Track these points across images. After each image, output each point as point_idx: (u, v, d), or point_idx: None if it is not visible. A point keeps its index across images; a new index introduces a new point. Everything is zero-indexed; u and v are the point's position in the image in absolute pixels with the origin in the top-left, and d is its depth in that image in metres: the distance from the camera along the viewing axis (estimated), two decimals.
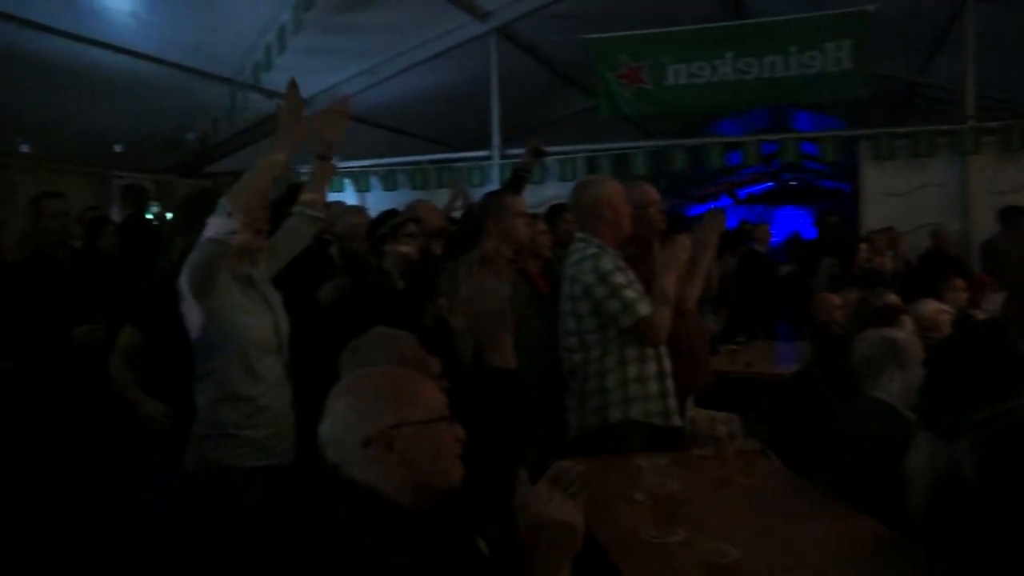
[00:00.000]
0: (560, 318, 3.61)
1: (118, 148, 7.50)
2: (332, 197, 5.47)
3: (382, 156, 8.74)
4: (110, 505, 3.89)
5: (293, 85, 2.92)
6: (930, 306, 4.56)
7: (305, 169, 8.02)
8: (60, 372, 4.07)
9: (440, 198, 7.65)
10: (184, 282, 2.86)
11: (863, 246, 7.25)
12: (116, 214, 7.07)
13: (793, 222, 18.50)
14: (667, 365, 3.57)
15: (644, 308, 3.39)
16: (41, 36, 6.06)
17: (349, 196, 8.64)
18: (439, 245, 4.63)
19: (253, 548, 2.91)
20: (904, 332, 3.49)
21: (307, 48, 7.22)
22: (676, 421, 3.57)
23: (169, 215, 5.90)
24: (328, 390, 1.82)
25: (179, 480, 3.02)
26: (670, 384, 3.56)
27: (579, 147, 8.30)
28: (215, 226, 2.70)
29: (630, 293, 3.40)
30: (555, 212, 5.43)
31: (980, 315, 4.44)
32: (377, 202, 7.98)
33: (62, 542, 4.10)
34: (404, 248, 3.96)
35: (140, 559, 3.39)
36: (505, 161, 8.19)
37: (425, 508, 1.72)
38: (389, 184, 8.80)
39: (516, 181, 4.90)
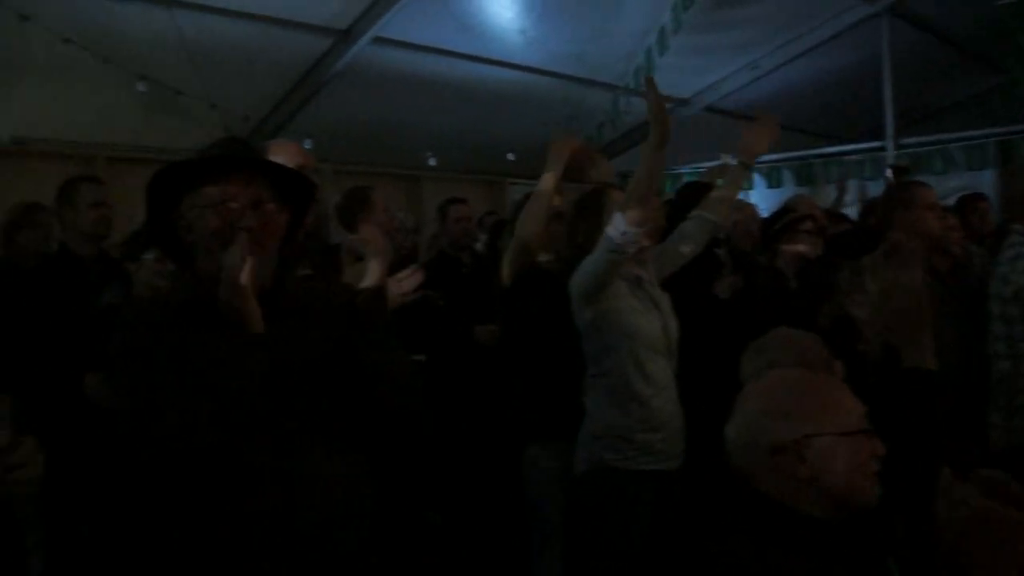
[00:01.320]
0: (989, 321, 3.20)
1: (511, 157, 7.95)
2: None
3: (765, 152, 8.47)
4: (497, 496, 4.07)
5: (650, 83, 2.86)
6: None
7: (686, 169, 8.10)
8: (463, 366, 4.34)
9: (829, 194, 7.23)
10: (577, 285, 2.92)
11: None
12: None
13: None
14: None
15: None
16: (444, 60, 6.59)
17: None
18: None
19: (640, 553, 2.88)
20: None
21: (686, 48, 7.17)
22: None
23: None
24: (718, 393, 1.74)
25: (565, 476, 3.08)
26: None
27: (989, 131, 7.43)
28: (615, 232, 2.70)
29: None
30: (965, 203, 4.91)
31: None
32: (761, 200, 7.74)
33: (455, 528, 4.39)
34: (800, 247, 3.77)
35: (525, 551, 3.51)
36: (900, 151, 7.56)
37: (832, 520, 1.58)
38: (773, 181, 8.50)
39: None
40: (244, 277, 1.70)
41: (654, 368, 2.95)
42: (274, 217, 1.82)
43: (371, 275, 1.96)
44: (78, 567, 2.71)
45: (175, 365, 1.72)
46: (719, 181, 3.46)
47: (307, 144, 5.64)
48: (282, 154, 2.53)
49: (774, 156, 8.49)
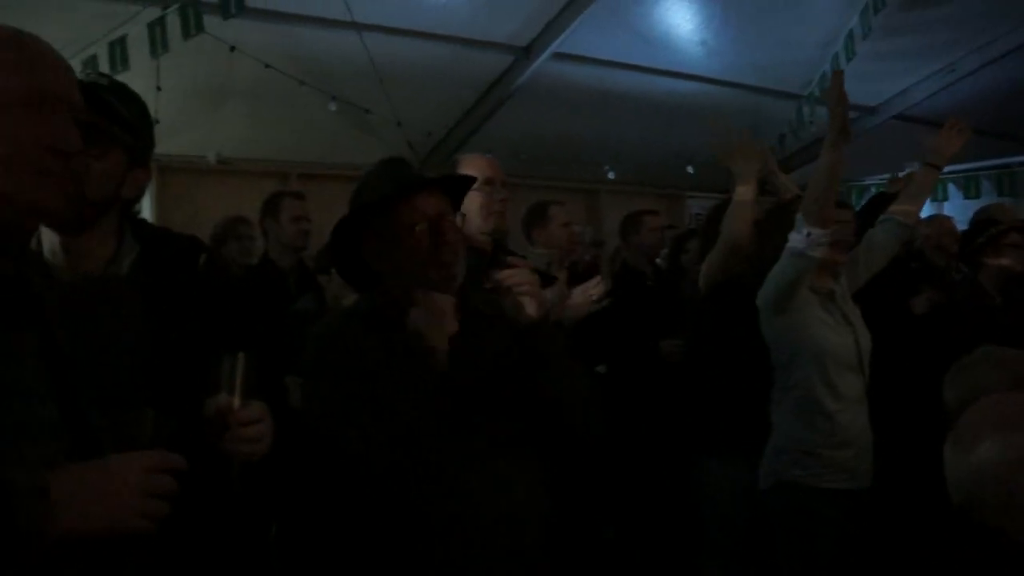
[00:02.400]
0: None
1: (690, 170, 7.85)
2: None
3: (961, 161, 7.98)
4: (673, 505, 4.02)
5: (837, 77, 2.77)
6: None
7: (874, 180, 7.73)
8: (645, 379, 4.31)
9: None
10: (765, 296, 2.87)
11: None
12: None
13: None
14: None
15: None
16: (622, 73, 6.60)
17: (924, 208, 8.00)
18: None
19: (824, 573, 2.78)
20: None
21: (875, 53, 6.85)
22: None
23: None
24: (913, 412, 1.63)
25: (742, 488, 3.03)
26: None
27: None
28: (798, 236, 2.65)
29: None
30: None
31: None
32: (957, 211, 7.29)
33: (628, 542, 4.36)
34: (1005, 260, 3.56)
35: (700, 561, 3.45)
36: None
37: None
38: (970, 192, 7.97)
39: None
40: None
41: (843, 383, 2.86)
42: (454, 228, 1.88)
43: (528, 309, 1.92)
44: (265, 565, 2.86)
45: (360, 375, 1.79)
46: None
47: None
48: (472, 167, 2.62)
49: (972, 164, 7.98)
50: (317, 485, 1.88)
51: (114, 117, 1.59)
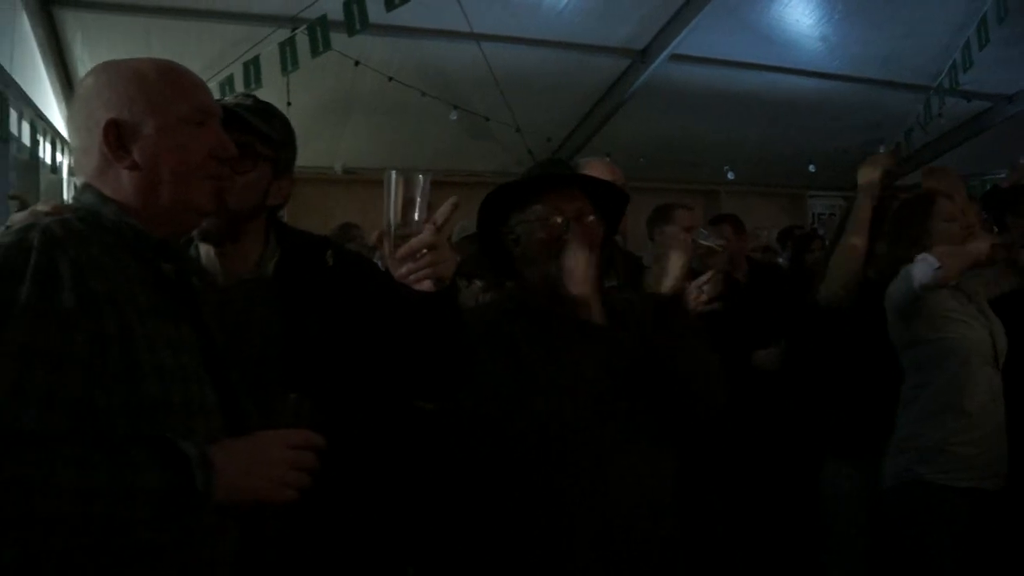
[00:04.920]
0: None
1: (811, 168, 7.69)
2: None
3: None
4: (795, 509, 3.94)
5: None
6: None
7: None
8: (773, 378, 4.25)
9: None
10: (894, 300, 2.81)
11: None
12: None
13: None
14: None
15: None
16: (741, 72, 6.55)
17: None
18: None
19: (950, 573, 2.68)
20: None
21: (1011, 37, 6.52)
22: None
23: None
24: None
25: (866, 489, 2.96)
26: None
27: None
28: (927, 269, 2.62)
29: None
30: None
31: None
32: None
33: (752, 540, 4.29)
34: None
35: (822, 566, 3.38)
36: None
37: None
38: None
39: None
40: (587, 270, 1.84)
41: (979, 378, 2.75)
42: (594, 228, 1.94)
43: (670, 275, 2.00)
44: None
45: (516, 363, 1.87)
46: None
47: None
48: (593, 170, 2.66)
49: None
50: (463, 470, 1.94)
51: (257, 135, 1.74)
